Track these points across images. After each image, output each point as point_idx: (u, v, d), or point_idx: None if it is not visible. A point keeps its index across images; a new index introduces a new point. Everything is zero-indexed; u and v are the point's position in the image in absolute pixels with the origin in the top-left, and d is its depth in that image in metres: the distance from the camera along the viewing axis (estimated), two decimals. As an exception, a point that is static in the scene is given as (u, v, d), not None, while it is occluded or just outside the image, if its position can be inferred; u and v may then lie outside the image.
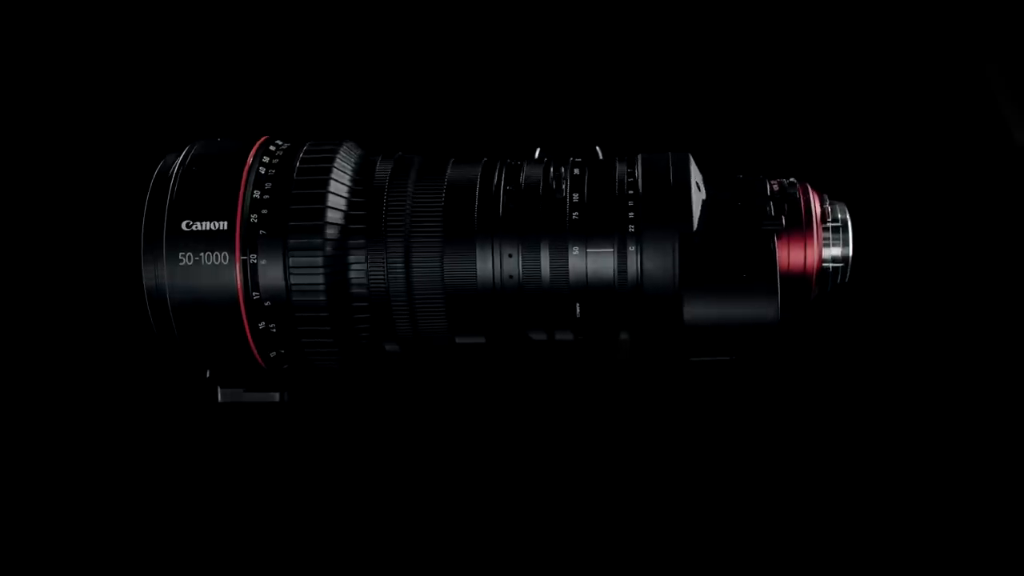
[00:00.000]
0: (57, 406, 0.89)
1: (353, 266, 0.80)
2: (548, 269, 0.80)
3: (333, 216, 0.79)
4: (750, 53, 1.03)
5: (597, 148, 0.85)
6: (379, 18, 1.05)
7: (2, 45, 1.01)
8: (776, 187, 0.83)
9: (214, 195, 0.79)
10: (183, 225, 0.79)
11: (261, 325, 0.80)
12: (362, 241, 0.80)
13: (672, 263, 0.79)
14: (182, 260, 0.78)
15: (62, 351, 0.92)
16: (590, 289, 0.80)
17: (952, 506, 0.83)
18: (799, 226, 0.81)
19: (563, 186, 0.81)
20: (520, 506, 0.83)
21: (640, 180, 0.81)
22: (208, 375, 0.83)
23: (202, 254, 0.79)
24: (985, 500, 0.82)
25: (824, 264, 0.82)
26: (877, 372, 0.90)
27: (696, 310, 0.78)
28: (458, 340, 0.83)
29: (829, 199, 0.84)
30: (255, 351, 0.81)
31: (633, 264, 0.79)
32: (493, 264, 0.80)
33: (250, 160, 0.81)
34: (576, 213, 0.80)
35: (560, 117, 1.02)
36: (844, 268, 0.83)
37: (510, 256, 0.80)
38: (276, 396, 0.84)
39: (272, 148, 0.82)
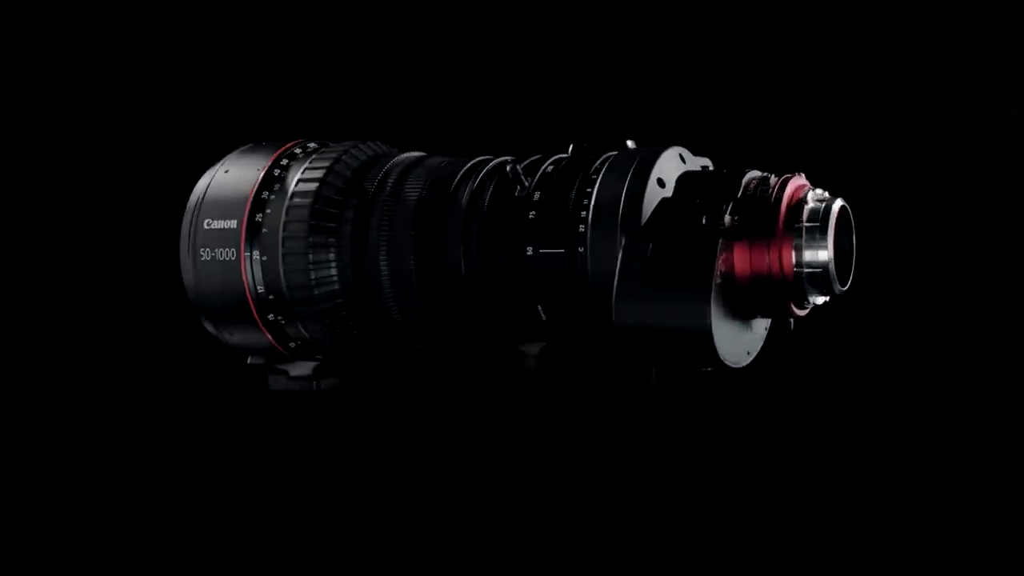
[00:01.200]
0: (98, 392, 0.99)
1: (339, 262, 0.84)
2: (505, 269, 0.79)
3: (323, 215, 0.84)
4: (778, 49, 0.95)
5: (629, 142, 0.82)
6: (447, 29, 1.08)
7: (70, 51, 1.13)
8: (755, 182, 0.76)
9: (230, 195, 0.86)
10: (205, 224, 0.86)
11: (271, 317, 0.86)
12: (347, 238, 0.84)
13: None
14: (203, 256, 0.86)
15: (108, 347, 1.02)
16: (547, 290, 0.79)
17: (952, 522, 0.73)
18: (764, 226, 0.74)
19: (525, 183, 0.80)
20: (516, 508, 0.83)
21: (600, 178, 0.78)
22: (249, 362, 0.90)
23: (217, 250, 0.86)
24: (984, 513, 0.72)
25: (797, 269, 0.74)
26: (875, 379, 0.80)
27: (625, 314, 0.74)
28: (442, 335, 0.84)
29: (821, 195, 0.76)
30: (273, 342, 0.87)
31: (583, 266, 0.77)
32: (461, 262, 0.81)
33: (270, 162, 0.87)
34: (533, 212, 0.79)
35: (600, 113, 0.99)
36: (823, 274, 0.74)
37: (472, 256, 0.80)
38: (311, 385, 0.90)
39: (297, 151, 0.88)
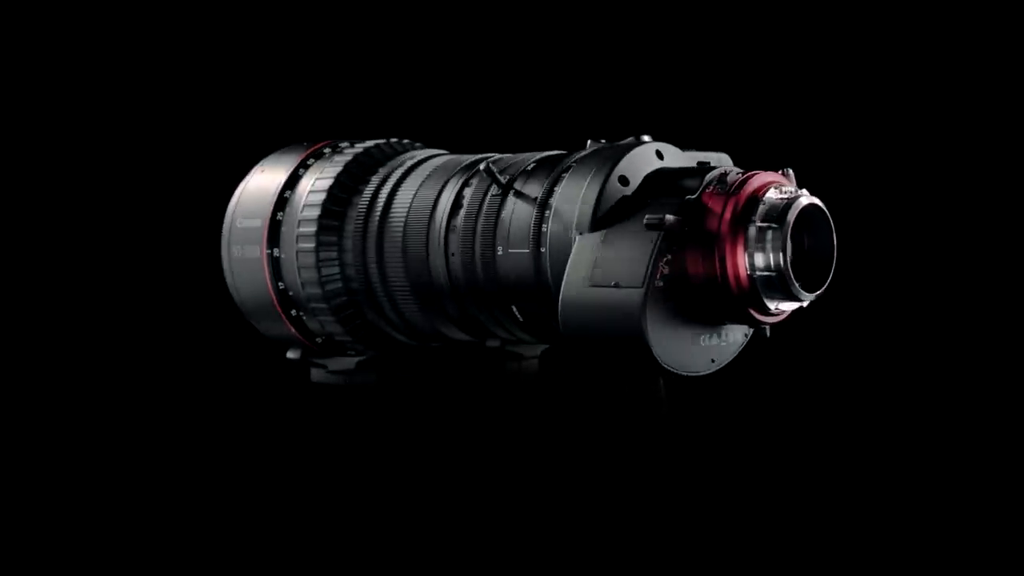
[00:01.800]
0: (150, 382, 1.03)
1: (340, 260, 0.85)
2: (480, 269, 0.78)
3: (331, 214, 0.85)
4: (806, 48, 0.89)
5: (645, 137, 0.79)
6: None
7: (127, 55, 1.16)
8: (715, 179, 0.71)
9: (259, 195, 0.89)
10: (238, 222, 0.89)
11: (293, 313, 0.88)
12: (350, 236, 0.85)
13: None
14: (235, 253, 0.89)
15: (159, 340, 1.06)
16: (518, 292, 0.77)
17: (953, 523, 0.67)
18: (709, 225, 0.70)
19: (501, 181, 0.78)
20: (517, 509, 0.82)
21: (567, 176, 0.75)
22: (288, 355, 0.92)
23: (245, 248, 0.89)
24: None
25: (750, 273, 0.69)
26: (870, 385, 0.74)
27: (569, 318, 0.71)
28: (439, 335, 0.84)
29: (787, 193, 0.70)
30: (300, 336, 0.89)
31: (545, 266, 0.75)
32: (445, 263, 0.80)
33: (298, 162, 0.89)
34: (505, 211, 0.77)
35: (621, 111, 0.95)
36: (780, 279, 0.69)
37: (453, 256, 0.80)
38: (346, 378, 0.91)
39: (326, 151, 0.89)
